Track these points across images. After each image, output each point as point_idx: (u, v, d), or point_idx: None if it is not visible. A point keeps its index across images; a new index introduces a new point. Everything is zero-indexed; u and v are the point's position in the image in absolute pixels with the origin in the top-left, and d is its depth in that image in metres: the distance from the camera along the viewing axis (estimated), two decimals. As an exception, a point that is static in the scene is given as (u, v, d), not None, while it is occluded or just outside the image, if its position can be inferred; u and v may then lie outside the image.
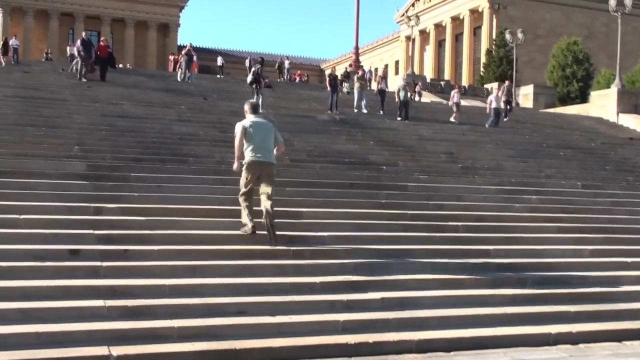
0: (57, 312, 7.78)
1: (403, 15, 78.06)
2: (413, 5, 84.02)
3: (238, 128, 10.02)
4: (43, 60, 52.45)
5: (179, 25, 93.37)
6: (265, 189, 9.95)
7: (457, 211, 13.33)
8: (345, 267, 9.96)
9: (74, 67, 29.59)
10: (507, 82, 33.76)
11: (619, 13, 37.24)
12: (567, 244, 12.46)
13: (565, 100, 48.50)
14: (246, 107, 10.44)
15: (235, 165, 10.30)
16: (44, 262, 8.82)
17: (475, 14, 73.31)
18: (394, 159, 18.00)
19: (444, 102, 39.08)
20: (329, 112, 25.99)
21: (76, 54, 28.54)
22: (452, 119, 28.18)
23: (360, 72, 31.98)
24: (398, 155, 18.55)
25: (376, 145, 19.50)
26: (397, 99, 27.29)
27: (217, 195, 12.17)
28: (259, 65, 26.05)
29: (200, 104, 24.37)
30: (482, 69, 63.04)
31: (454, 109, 29.23)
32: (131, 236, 9.98)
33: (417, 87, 42.62)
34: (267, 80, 42.07)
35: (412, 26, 59.48)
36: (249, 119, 10.17)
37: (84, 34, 29.25)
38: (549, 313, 9.52)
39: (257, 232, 10.06)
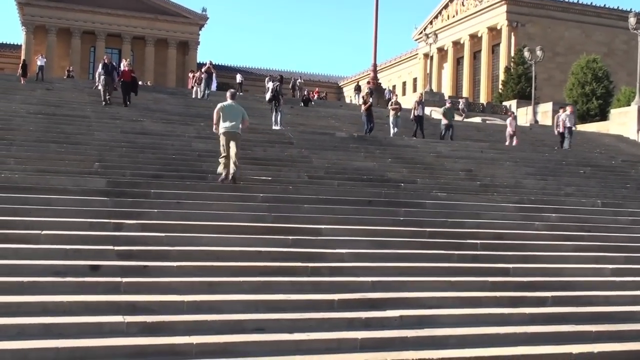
0: (78, 327, 7.84)
1: (421, 33, 78.23)
2: (431, 23, 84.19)
3: (217, 107, 14.25)
4: (65, 77, 53.18)
5: (198, 43, 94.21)
6: (233, 149, 13.89)
7: (475, 229, 13.26)
8: (364, 285, 9.95)
9: (98, 86, 29.81)
10: (570, 107, 30.66)
11: (639, 31, 37.03)
12: (588, 263, 12.34)
13: (584, 118, 48.18)
14: (227, 94, 14.76)
15: (214, 129, 14.33)
16: (65, 278, 8.90)
17: (494, 31, 73.26)
18: (412, 176, 17.97)
19: (491, 120, 38.68)
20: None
21: (97, 78, 27.87)
22: (507, 144, 27.73)
23: (394, 98, 29.60)
24: (416, 173, 18.52)
25: (394, 163, 19.49)
26: (443, 122, 26.62)
27: (234, 212, 12.23)
28: (278, 83, 26.09)
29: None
30: (500, 86, 62.88)
31: (508, 139, 28.34)
32: (151, 252, 10.05)
33: (461, 105, 42.52)
34: (305, 94, 42.67)
35: (430, 44, 59.55)
36: (226, 102, 14.33)
37: (106, 57, 28.11)
38: (570, 333, 9.42)
39: (228, 181, 13.83)
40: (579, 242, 13.36)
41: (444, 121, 26.77)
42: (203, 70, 36.26)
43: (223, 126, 13.93)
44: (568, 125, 27.69)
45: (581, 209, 16.08)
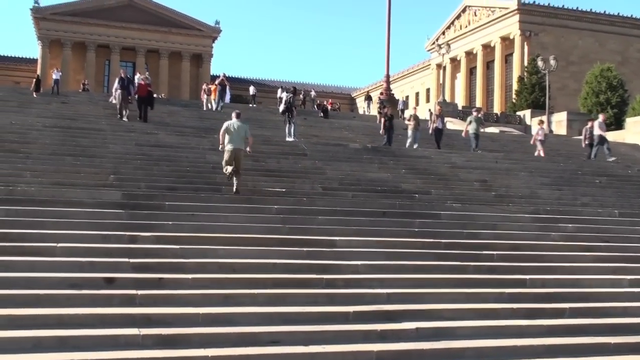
0: (93, 340, 7.85)
1: (434, 43, 78.25)
2: (443, 33, 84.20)
3: (223, 126, 15.13)
4: (80, 91, 53.65)
5: (211, 55, 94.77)
6: (238, 164, 14.77)
7: (491, 240, 13.17)
8: (379, 297, 9.90)
9: (112, 100, 29.98)
10: (602, 116, 29.36)
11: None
12: (606, 274, 12.21)
13: (599, 127, 47.82)
14: (233, 114, 15.68)
15: (220, 147, 15.28)
16: (80, 290, 8.93)
17: (507, 41, 73.12)
18: (427, 187, 17.90)
19: (508, 130, 38.39)
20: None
21: (113, 93, 27.75)
22: (536, 154, 26.78)
23: (413, 111, 28.24)
24: (431, 184, 18.45)
25: (408, 174, 19.43)
26: (466, 132, 26.01)
27: (249, 223, 12.23)
28: (291, 95, 26.13)
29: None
30: (514, 96, 62.66)
31: (539, 146, 27.20)
32: (165, 264, 10.07)
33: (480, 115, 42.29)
34: (325, 104, 43.00)
35: (443, 54, 59.53)
36: (231, 120, 15.24)
37: (122, 72, 27.86)
38: (589, 345, 9.31)
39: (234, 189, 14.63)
40: (597, 252, 13.24)
41: (473, 131, 25.86)
42: (217, 82, 36.40)
43: (229, 144, 14.75)
44: (599, 133, 26.65)
45: (598, 219, 15.93)
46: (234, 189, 14.48)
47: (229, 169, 14.64)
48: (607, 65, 53.29)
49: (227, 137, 14.82)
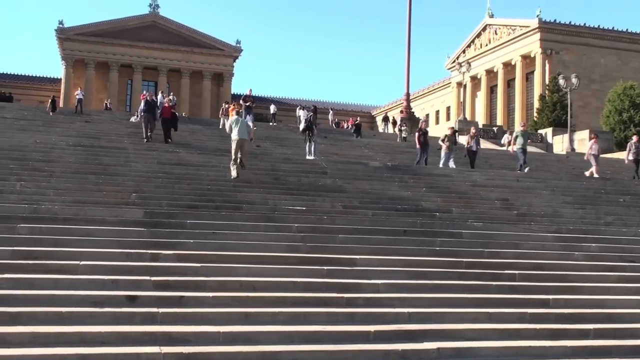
0: (115, 358, 7.89)
1: (454, 61, 78.31)
2: (464, 52, 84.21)
3: (229, 120, 19.73)
4: (104, 110, 54.35)
5: (232, 74, 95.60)
6: (243, 152, 18.03)
7: (513, 259, 13.04)
8: (400, 316, 9.83)
9: (132, 119, 30.24)
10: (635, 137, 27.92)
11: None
12: (631, 294, 12.02)
13: (622, 146, 47.34)
14: (235, 111, 21.18)
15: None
16: (103, 308, 8.98)
17: (527, 59, 72.93)
18: (448, 205, 17.81)
19: (530, 148, 37.95)
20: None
21: (138, 114, 27.72)
22: (587, 174, 25.72)
23: (450, 131, 26.95)
24: (451, 202, 18.36)
25: (429, 192, 19.36)
26: (513, 148, 25.06)
27: (269, 242, 12.25)
28: (311, 113, 26.29)
29: (253, 150, 24.73)
30: (535, 114, 62.40)
31: (593, 161, 26.06)
32: (187, 283, 10.10)
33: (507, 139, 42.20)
34: (357, 121, 43.42)
35: (464, 72, 59.53)
36: (235, 117, 19.22)
37: (148, 94, 27.87)
38: (614, 366, 9.16)
39: (238, 179, 17.63)
40: (621, 272, 13.06)
41: (520, 146, 25.02)
42: (241, 101, 35.63)
43: (234, 135, 17.88)
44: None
45: (622, 239, 15.72)
46: (241, 164, 17.80)
47: (233, 172, 17.65)
48: (630, 84, 52.91)
49: (233, 130, 18.01)
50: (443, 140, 25.94)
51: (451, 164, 25.07)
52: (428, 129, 30.39)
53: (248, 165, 19.41)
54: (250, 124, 35.23)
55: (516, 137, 25.65)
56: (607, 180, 25.19)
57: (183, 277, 10.30)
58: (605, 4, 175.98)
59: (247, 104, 35.11)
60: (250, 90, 38.69)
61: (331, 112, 63.43)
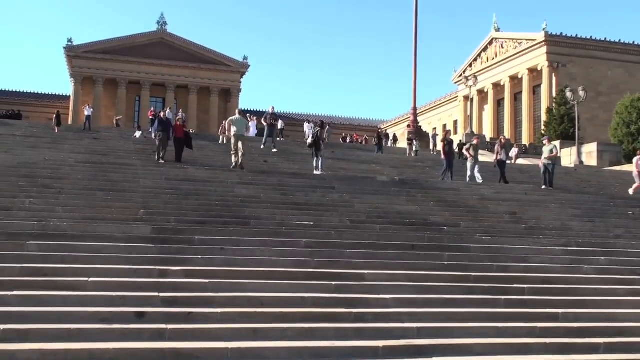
0: (123, 374, 7.87)
1: (461, 75, 78.39)
2: (470, 65, 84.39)
3: (228, 119, 24.40)
4: (115, 127, 54.74)
5: (240, 90, 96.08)
6: (242, 147, 22.04)
7: (522, 273, 12.99)
8: (409, 331, 9.79)
9: (141, 133, 30.38)
10: None
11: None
12: (641, 308, 11.92)
13: (631, 158, 47.11)
14: (236, 111, 24.42)
15: (227, 134, 24.67)
16: (111, 325, 8.99)
17: (534, 72, 72.98)
18: (456, 219, 17.76)
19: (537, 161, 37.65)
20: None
21: (153, 135, 26.92)
22: (631, 192, 25.12)
23: (475, 141, 26.65)
24: (459, 216, 18.31)
25: (437, 206, 19.32)
26: (543, 164, 24.68)
27: (277, 257, 12.24)
28: (319, 128, 26.32)
29: (261, 166, 24.80)
30: (542, 127, 62.35)
31: (637, 180, 25.26)
32: (195, 299, 10.10)
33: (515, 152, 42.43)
34: (381, 130, 43.67)
35: (470, 86, 59.59)
36: (235, 116, 23.32)
37: (162, 113, 27.17)
38: (625, 381, 9.07)
39: (237, 169, 21.88)
40: (632, 286, 12.97)
41: (545, 161, 24.71)
42: (262, 120, 34.53)
43: (234, 131, 22.27)
44: None
45: (632, 252, 15.61)
46: (240, 167, 21.60)
47: (233, 160, 21.96)
48: (638, 96, 52.79)
49: (232, 128, 22.22)
50: (468, 150, 25.78)
51: (477, 175, 24.98)
52: (452, 137, 30.14)
53: (256, 181, 19.51)
54: (253, 127, 35.96)
55: (545, 153, 25.22)
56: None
57: (191, 293, 10.30)
58: (612, 17, 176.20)
59: (268, 123, 33.51)
60: (273, 107, 36.22)
61: (327, 127, 63.03)
